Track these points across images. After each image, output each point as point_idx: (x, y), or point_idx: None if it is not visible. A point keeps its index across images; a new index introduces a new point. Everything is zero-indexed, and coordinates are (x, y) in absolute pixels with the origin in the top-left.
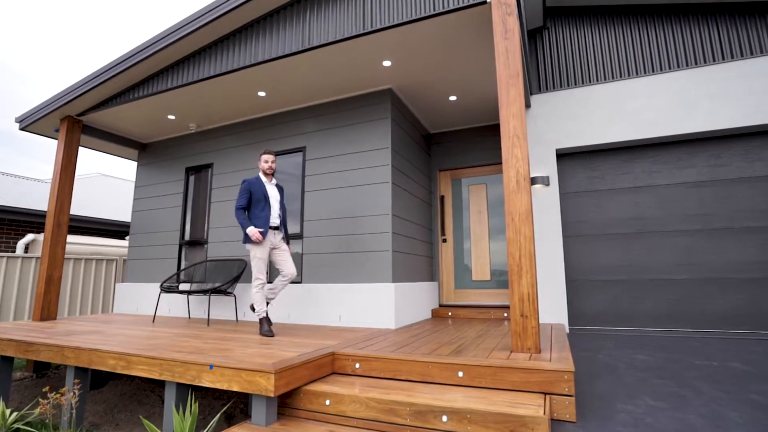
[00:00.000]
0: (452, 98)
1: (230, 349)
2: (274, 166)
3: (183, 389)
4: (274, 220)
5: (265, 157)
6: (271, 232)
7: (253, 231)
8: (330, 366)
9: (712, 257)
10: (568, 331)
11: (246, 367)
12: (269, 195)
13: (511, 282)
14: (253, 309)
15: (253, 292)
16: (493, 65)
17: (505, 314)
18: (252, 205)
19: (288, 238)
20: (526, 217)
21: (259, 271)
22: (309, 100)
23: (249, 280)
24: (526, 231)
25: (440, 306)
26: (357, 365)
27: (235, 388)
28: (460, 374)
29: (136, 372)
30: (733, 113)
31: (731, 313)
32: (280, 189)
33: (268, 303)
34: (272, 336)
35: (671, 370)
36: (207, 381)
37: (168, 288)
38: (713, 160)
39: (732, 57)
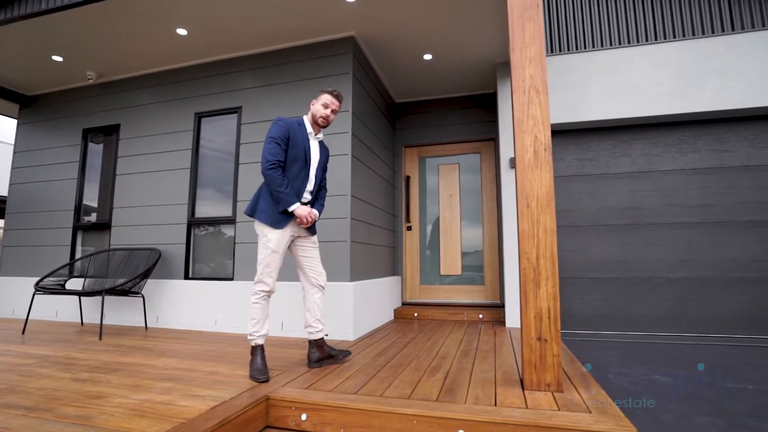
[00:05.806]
0: (427, 57)
1: (104, 395)
2: (333, 117)
3: None
4: (308, 194)
5: (326, 98)
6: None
7: (304, 211)
8: (263, 418)
9: (713, 254)
10: None
11: None
12: (311, 154)
13: (524, 293)
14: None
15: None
16: (486, 18)
17: (480, 315)
18: (285, 164)
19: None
20: (548, 202)
21: (265, 270)
22: (247, 47)
23: (164, 276)
24: (547, 222)
25: (403, 304)
26: (303, 417)
27: None
28: None
29: None
30: (744, 92)
31: (735, 315)
32: (325, 151)
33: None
34: (266, 381)
35: (707, 398)
36: None
37: (46, 288)
38: (718, 144)
39: (743, 28)
